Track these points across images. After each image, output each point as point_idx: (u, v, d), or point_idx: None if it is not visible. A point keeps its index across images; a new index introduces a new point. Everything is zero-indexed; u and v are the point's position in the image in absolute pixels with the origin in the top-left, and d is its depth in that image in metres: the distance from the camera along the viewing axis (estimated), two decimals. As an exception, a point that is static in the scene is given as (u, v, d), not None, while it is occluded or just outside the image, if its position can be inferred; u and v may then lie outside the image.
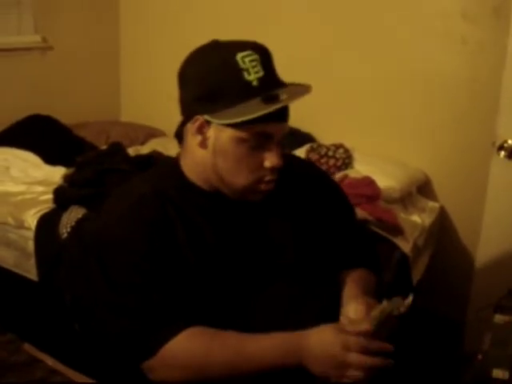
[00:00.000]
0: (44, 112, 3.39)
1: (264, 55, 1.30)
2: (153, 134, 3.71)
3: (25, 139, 3.15)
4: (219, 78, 1.26)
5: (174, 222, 1.32)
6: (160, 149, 3.05)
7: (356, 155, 3.02)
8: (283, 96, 1.26)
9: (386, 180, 2.76)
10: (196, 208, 1.36)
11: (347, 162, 2.95)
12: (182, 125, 1.37)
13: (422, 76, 2.94)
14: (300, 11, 3.24)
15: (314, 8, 3.19)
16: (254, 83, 1.26)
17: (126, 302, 1.26)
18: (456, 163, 2.97)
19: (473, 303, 2.64)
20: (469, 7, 2.76)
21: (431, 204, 3.00)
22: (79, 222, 2.25)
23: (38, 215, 2.45)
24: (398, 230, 2.50)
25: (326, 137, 3.19)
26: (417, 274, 2.63)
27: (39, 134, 3.26)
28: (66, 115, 3.49)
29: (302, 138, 3.19)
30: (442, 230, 3.04)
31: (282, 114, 1.30)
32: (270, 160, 1.30)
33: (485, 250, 2.56)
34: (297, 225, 1.44)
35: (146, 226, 1.30)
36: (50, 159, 3.03)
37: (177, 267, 1.29)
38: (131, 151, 3.16)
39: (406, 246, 2.46)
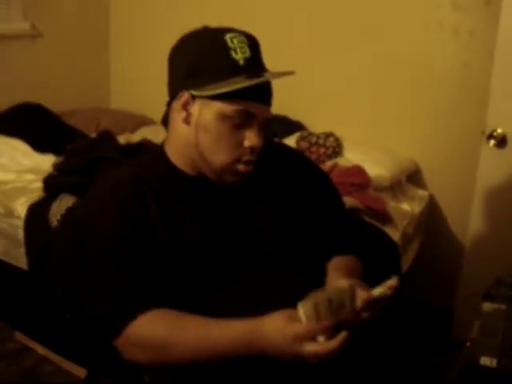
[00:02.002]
0: (34, 100, 3.37)
1: (252, 40, 1.35)
2: (143, 122, 3.69)
3: (14, 127, 3.14)
4: (207, 55, 1.31)
5: (150, 207, 1.34)
6: (150, 137, 3.03)
7: (346, 144, 3.02)
8: (267, 75, 1.33)
9: (376, 168, 2.76)
10: (176, 193, 1.38)
11: (337, 150, 2.95)
12: (168, 106, 1.41)
13: (412, 65, 2.94)
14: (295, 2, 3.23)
15: (300, 9, 3.19)
16: (241, 62, 1.31)
17: (98, 282, 1.28)
18: (446, 152, 2.98)
19: (462, 291, 2.66)
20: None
21: (421, 192, 3.01)
22: (68, 210, 2.23)
23: (28, 204, 2.45)
24: (387, 219, 2.51)
25: (317, 125, 3.19)
26: (406, 262, 2.64)
27: (29, 122, 3.24)
28: (55, 103, 3.48)
29: (293, 126, 3.19)
30: (432, 218, 3.05)
31: (266, 97, 1.35)
32: (250, 139, 1.33)
33: (474, 238, 2.58)
34: (278, 211, 1.45)
35: (120, 210, 1.32)
36: (39, 147, 3.02)
37: (150, 250, 1.31)
38: (121, 139, 3.14)
39: (395, 234, 2.47)
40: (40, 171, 2.68)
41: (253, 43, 1.35)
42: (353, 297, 1.21)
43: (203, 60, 1.31)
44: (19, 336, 2.64)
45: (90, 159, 2.36)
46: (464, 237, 2.73)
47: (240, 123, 1.32)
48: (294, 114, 3.21)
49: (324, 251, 1.52)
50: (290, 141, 2.96)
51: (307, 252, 1.46)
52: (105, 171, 2.20)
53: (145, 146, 2.55)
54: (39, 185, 2.50)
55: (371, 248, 1.68)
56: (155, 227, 1.33)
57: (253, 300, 1.32)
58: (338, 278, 1.38)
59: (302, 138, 3.03)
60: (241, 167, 1.36)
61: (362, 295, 1.22)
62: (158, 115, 3.72)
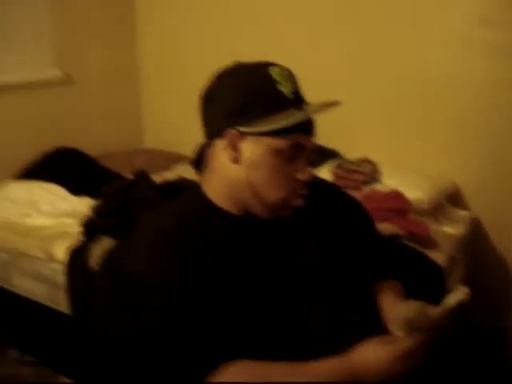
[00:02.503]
0: (69, 144, 3.42)
1: (290, 71, 1.33)
2: (177, 159, 3.70)
3: (51, 172, 3.18)
4: (253, 89, 1.27)
5: (202, 252, 1.28)
6: (185, 174, 3.02)
7: (382, 169, 2.98)
8: (315, 107, 1.30)
9: (415, 192, 2.72)
10: (224, 234, 1.33)
11: (374, 176, 2.91)
12: (205, 147, 1.37)
13: (447, 85, 2.91)
14: (324, 24, 3.24)
15: (336, 20, 3.20)
16: (288, 95, 1.28)
17: (162, 341, 1.22)
18: (486, 171, 2.93)
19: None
20: (490, 12, 2.72)
21: (463, 213, 2.95)
22: (109, 254, 2.23)
23: (68, 248, 2.45)
24: (430, 243, 2.46)
25: (351, 151, 3.17)
26: (453, 286, 2.57)
27: (65, 166, 3.29)
28: (90, 147, 3.52)
29: (327, 154, 3.16)
30: (476, 239, 2.98)
31: (312, 128, 1.32)
32: (303, 172, 1.31)
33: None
34: (324, 243, 1.42)
35: (174, 261, 1.26)
36: (76, 190, 3.05)
37: (211, 299, 1.24)
38: (157, 178, 3.14)
39: (440, 258, 2.40)
40: (78, 215, 2.69)
41: (292, 75, 1.32)
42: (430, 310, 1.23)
43: (251, 95, 1.27)
44: (63, 381, 2.63)
45: (126, 200, 2.36)
46: (511, 256, 2.67)
47: (291, 156, 1.29)
48: (327, 142, 3.18)
49: (367, 278, 1.49)
50: (325, 169, 2.94)
51: (353, 281, 1.44)
52: (142, 214, 2.19)
53: (181, 184, 2.55)
54: (78, 228, 2.50)
55: (415, 273, 1.64)
56: (212, 274, 1.27)
57: (322, 336, 1.30)
58: (394, 299, 1.41)
59: (337, 166, 3.00)
60: (295, 201, 1.34)
61: (436, 308, 1.23)
62: (191, 151, 3.79)
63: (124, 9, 3.90)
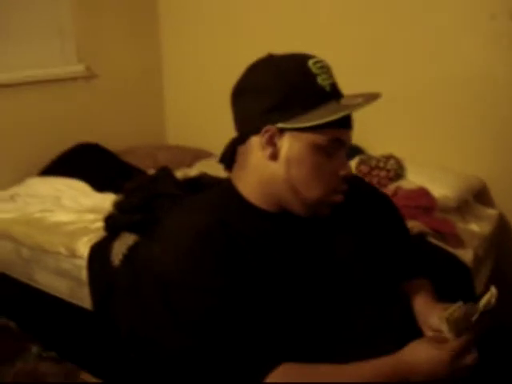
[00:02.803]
0: (91, 140, 3.43)
1: (328, 65, 1.27)
2: (200, 155, 3.70)
3: (74, 168, 3.19)
4: (293, 84, 1.22)
5: (239, 250, 1.23)
6: (208, 170, 2.99)
7: (407, 165, 2.94)
8: (356, 100, 1.23)
9: (441, 189, 2.68)
10: (259, 232, 1.28)
11: (399, 172, 2.87)
12: (238, 142, 1.32)
13: (474, 79, 2.85)
14: (348, 20, 3.21)
15: (361, 16, 3.16)
16: (327, 88, 1.23)
17: (205, 344, 1.17)
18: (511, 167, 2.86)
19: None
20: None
21: (489, 211, 2.89)
22: (131, 250, 2.22)
23: (90, 244, 2.45)
24: (457, 241, 2.41)
25: (375, 148, 3.13)
26: (479, 285, 2.52)
27: (88, 162, 3.29)
28: (113, 142, 3.53)
29: (351, 150, 3.10)
30: (503, 238, 2.92)
31: (351, 122, 1.27)
32: (344, 168, 1.27)
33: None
34: (360, 241, 1.39)
35: (216, 260, 1.20)
36: (99, 186, 3.05)
37: (252, 298, 1.20)
38: (179, 174, 3.13)
39: (466, 257, 2.36)
40: (100, 210, 2.68)
41: (329, 67, 1.27)
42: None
43: (290, 90, 1.21)
44: (86, 376, 2.63)
45: (149, 196, 2.34)
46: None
47: (330, 152, 1.24)
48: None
49: (398, 277, 1.47)
50: (350, 164, 2.90)
51: (387, 279, 1.41)
52: (171, 209, 2.18)
53: (204, 180, 2.54)
54: (100, 224, 2.48)
55: (443, 272, 1.61)
56: (249, 271, 1.22)
57: (364, 334, 1.28)
58: (429, 300, 1.40)
59: (361, 162, 2.96)
60: (336, 198, 1.29)
61: (475, 309, 1.22)
62: (214, 148, 3.80)
63: (148, 6, 3.90)
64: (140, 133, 3.86)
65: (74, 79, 3.49)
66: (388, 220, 1.52)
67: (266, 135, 1.23)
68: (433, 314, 1.32)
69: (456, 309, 1.21)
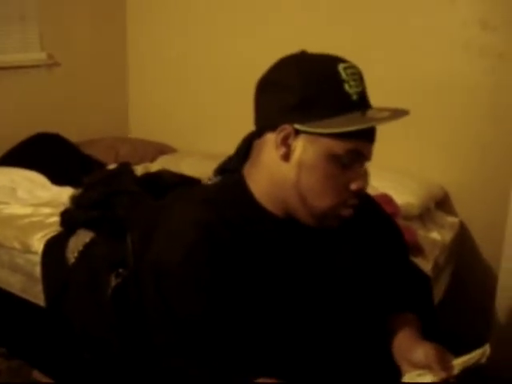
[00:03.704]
0: (51, 130, 3.34)
1: (360, 72, 1.22)
2: (162, 150, 3.65)
3: (32, 158, 3.10)
4: (318, 86, 1.16)
5: (240, 251, 1.21)
6: (171, 166, 2.98)
7: (372, 170, 2.92)
8: (382, 114, 1.18)
9: (404, 196, 2.68)
10: (262, 235, 1.25)
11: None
12: (254, 137, 1.28)
13: (440, 87, 2.86)
14: (318, 23, 3.17)
15: (333, 20, 3.13)
16: (354, 97, 1.17)
17: (189, 337, 1.18)
18: (475, 176, 2.88)
19: (497, 321, 2.55)
20: (489, 17, 2.67)
21: (450, 219, 2.91)
22: (87, 247, 2.17)
23: (45, 239, 2.39)
24: (417, 249, 2.41)
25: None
26: (438, 294, 2.53)
27: (46, 153, 3.21)
28: (73, 133, 3.45)
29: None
30: (463, 245, 2.94)
31: (374, 136, 1.22)
32: (357, 182, 1.20)
33: (508, 265, 2.47)
34: (360, 261, 1.35)
35: (209, 256, 1.19)
36: (57, 178, 2.98)
37: (241, 301, 1.19)
38: (140, 169, 3.10)
39: (426, 266, 2.36)
40: (57, 204, 2.63)
41: (361, 74, 1.22)
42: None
43: (314, 91, 1.16)
44: (37, 375, 2.57)
45: (108, 192, 2.30)
46: (497, 264, 2.62)
47: (347, 163, 1.18)
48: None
49: (387, 305, 1.42)
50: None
51: (377, 306, 1.38)
52: (127, 206, 2.14)
53: (165, 177, 2.50)
54: (56, 219, 2.44)
55: (402, 280, 1.59)
56: (243, 271, 1.20)
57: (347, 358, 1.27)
58: (414, 337, 1.32)
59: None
60: (344, 212, 1.23)
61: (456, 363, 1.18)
62: (177, 143, 3.74)
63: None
64: (102, 124, 3.78)
65: (35, 67, 3.40)
66: (391, 246, 1.47)
67: (282, 134, 1.18)
68: (415, 350, 1.25)
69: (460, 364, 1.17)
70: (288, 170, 1.20)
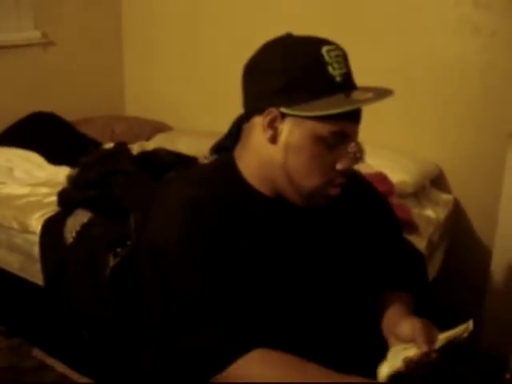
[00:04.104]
0: (47, 109, 3.34)
1: (345, 54, 1.24)
2: (159, 128, 3.64)
3: (28, 138, 3.10)
4: (302, 69, 1.19)
5: (233, 229, 1.23)
6: (167, 144, 2.98)
7: (367, 148, 2.92)
8: (366, 95, 1.20)
9: (399, 174, 2.68)
10: (253, 214, 1.27)
11: (358, 156, 2.85)
12: (244, 119, 1.30)
13: (433, 66, 2.85)
14: (314, 11, 3.15)
15: (328, 6, 3.10)
16: (338, 79, 1.19)
17: (191, 313, 1.19)
18: (470, 154, 2.88)
19: (490, 298, 2.58)
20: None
21: (445, 197, 2.92)
22: (85, 227, 2.19)
23: (43, 219, 2.40)
24: (412, 227, 2.43)
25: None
26: (432, 271, 2.55)
27: (42, 132, 3.20)
28: (69, 112, 3.44)
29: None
30: (457, 222, 2.96)
31: (359, 116, 1.24)
32: (343, 162, 1.23)
33: (502, 242, 2.50)
34: (351, 237, 1.38)
35: (206, 233, 1.21)
36: (53, 158, 2.98)
37: (236, 277, 1.22)
38: (136, 147, 3.10)
39: (420, 243, 2.38)
40: (55, 184, 2.64)
41: (346, 56, 1.24)
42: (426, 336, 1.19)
43: (298, 75, 1.19)
44: (37, 353, 2.60)
45: (104, 172, 2.31)
46: (491, 241, 2.65)
47: (332, 144, 1.20)
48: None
49: (379, 283, 1.44)
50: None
51: (368, 281, 1.40)
52: (123, 186, 2.15)
53: (161, 155, 2.51)
54: (54, 198, 2.45)
55: (397, 258, 1.61)
56: (237, 249, 1.23)
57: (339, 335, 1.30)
58: (403, 312, 1.34)
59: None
60: (332, 191, 1.26)
61: (440, 337, 1.19)
62: (173, 121, 3.74)
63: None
64: (98, 103, 3.77)
65: (30, 46, 3.38)
66: (383, 225, 1.49)
67: (268, 117, 1.21)
68: (402, 324, 1.27)
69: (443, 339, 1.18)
70: (275, 152, 1.23)
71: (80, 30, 3.62)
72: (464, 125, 2.84)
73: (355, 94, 1.20)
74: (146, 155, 2.58)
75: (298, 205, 1.28)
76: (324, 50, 1.20)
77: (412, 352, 1.17)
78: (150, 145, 3.24)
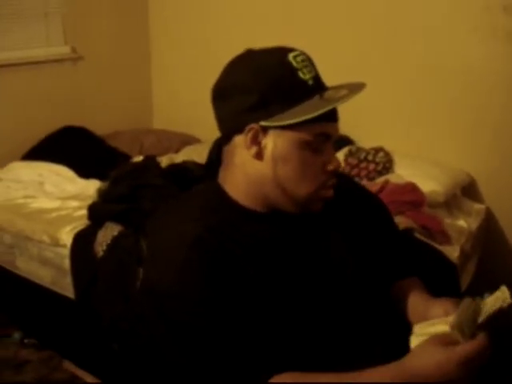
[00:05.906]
0: (77, 123, 3.38)
1: (309, 57, 1.24)
2: (187, 141, 3.65)
3: (58, 152, 3.15)
4: (273, 80, 1.18)
5: (236, 258, 1.19)
6: (195, 156, 2.98)
7: (396, 158, 2.91)
8: (341, 92, 1.19)
9: (430, 184, 2.66)
10: (252, 234, 1.24)
11: (388, 166, 2.84)
12: (223, 142, 1.28)
13: (463, 73, 2.82)
14: (334, 14, 3.15)
15: (348, 9, 3.10)
16: (310, 82, 1.20)
17: (199, 357, 1.14)
18: (502, 161, 2.85)
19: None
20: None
21: (477, 206, 2.88)
22: (115, 240, 2.20)
23: (74, 232, 2.42)
24: (443, 237, 2.40)
25: (365, 139, 3.09)
26: (464, 281, 2.52)
27: (72, 147, 3.25)
28: (98, 126, 3.49)
29: (340, 140, 3.07)
30: (489, 232, 2.92)
31: (336, 114, 1.24)
32: (332, 162, 1.23)
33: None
34: (352, 240, 1.36)
35: (209, 270, 1.16)
36: (83, 171, 3.01)
37: (248, 307, 1.17)
38: (165, 160, 3.11)
39: (453, 254, 2.35)
40: (84, 197, 2.66)
41: (311, 59, 1.23)
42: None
43: (270, 87, 1.18)
44: (68, 365, 2.61)
45: (134, 185, 2.32)
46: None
47: (317, 147, 1.20)
48: (340, 128, 3.11)
49: (386, 276, 1.43)
50: (338, 156, 2.87)
51: (376, 278, 1.39)
52: (151, 199, 2.16)
53: (190, 168, 2.51)
54: (84, 212, 2.47)
55: (429, 269, 1.59)
56: (245, 277, 1.19)
57: (363, 336, 1.28)
58: (425, 298, 1.33)
59: (350, 154, 2.93)
60: (326, 193, 1.26)
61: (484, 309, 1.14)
62: (201, 133, 3.74)
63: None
64: (126, 116, 3.81)
65: (59, 61, 3.43)
66: (377, 219, 1.49)
67: (250, 134, 1.20)
68: (432, 307, 1.26)
69: (461, 312, 1.13)
70: (263, 167, 1.22)
71: (109, 44, 3.67)
72: (496, 133, 2.81)
73: (329, 94, 1.20)
74: (174, 168, 2.58)
75: (296, 214, 1.27)
76: (290, 56, 1.20)
77: (441, 328, 1.15)
78: (179, 157, 3.24)
